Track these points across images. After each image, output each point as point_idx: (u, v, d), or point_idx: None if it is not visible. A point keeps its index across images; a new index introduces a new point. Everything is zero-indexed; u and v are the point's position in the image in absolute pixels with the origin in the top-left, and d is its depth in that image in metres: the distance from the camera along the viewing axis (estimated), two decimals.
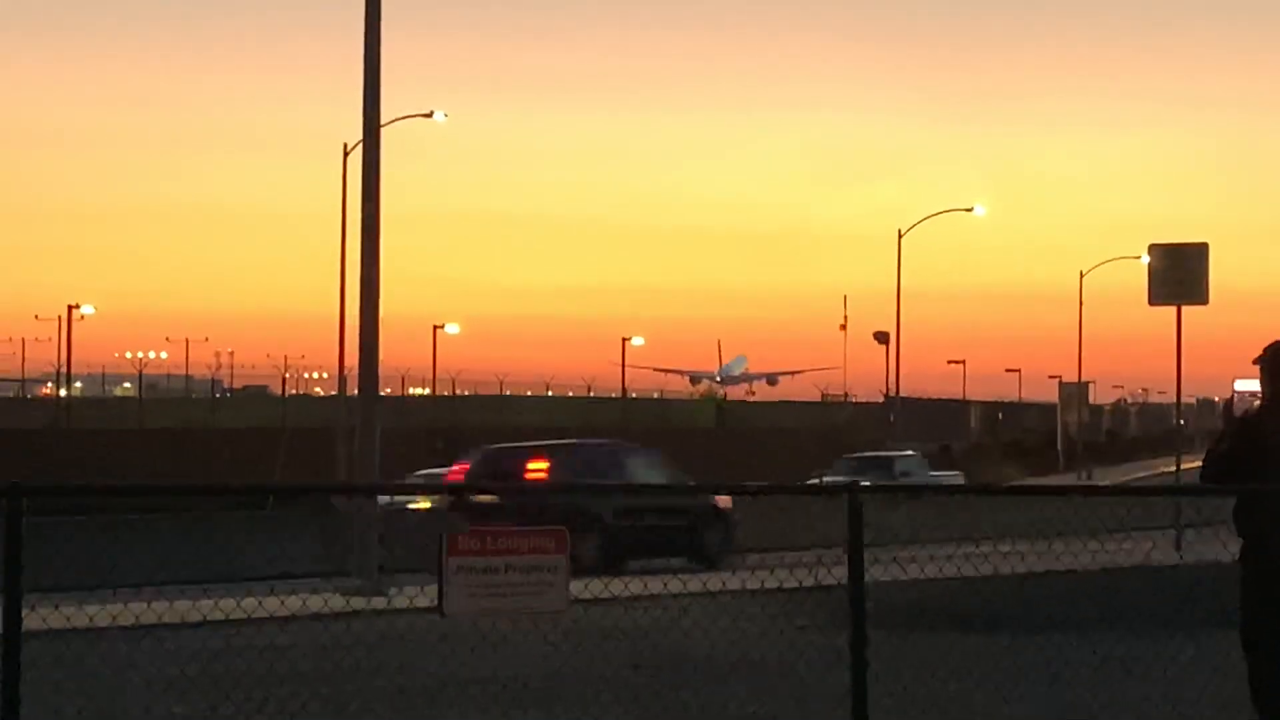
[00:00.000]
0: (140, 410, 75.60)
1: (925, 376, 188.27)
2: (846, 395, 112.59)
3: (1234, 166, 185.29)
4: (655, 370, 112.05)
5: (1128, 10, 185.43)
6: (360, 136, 29.28)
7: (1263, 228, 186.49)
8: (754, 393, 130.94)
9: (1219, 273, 37.45)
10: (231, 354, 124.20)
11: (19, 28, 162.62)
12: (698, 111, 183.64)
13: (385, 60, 28.49)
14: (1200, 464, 11.44)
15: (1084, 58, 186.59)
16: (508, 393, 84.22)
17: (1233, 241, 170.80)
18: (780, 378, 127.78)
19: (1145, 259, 38.93)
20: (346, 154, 53.96)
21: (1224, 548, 11.92)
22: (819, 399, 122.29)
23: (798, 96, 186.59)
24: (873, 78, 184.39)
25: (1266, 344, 11.31)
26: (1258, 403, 11.43)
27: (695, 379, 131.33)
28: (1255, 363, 11.29)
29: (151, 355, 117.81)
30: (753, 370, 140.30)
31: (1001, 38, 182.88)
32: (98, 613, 16.16)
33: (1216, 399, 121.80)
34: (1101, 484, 74.32)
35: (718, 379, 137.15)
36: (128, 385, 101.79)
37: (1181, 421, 53.77)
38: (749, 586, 19.18)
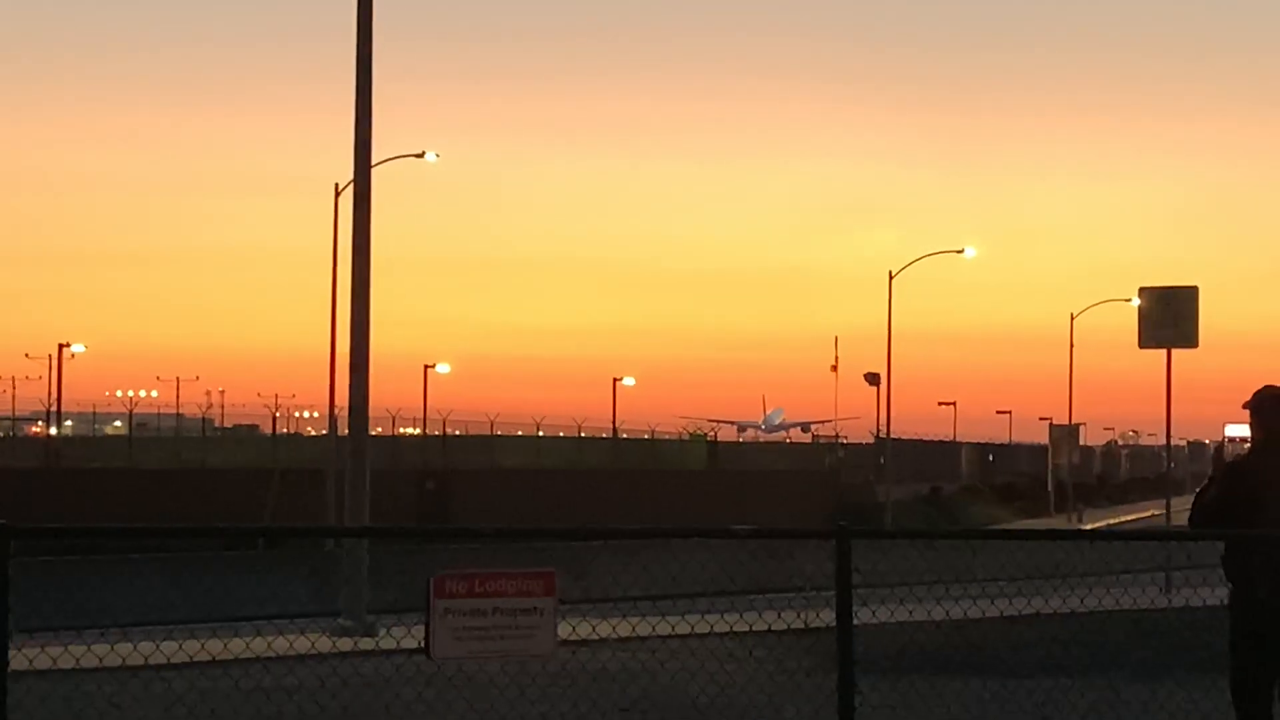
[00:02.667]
0: (130, 449, 75.49)
1: (916, 418, 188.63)
2: (837, 437, 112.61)
3: (1224, 211, 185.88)
4: (709, 421, 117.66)
5: (1119, 57, 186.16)
6: (351, 177, 29.32)
7: (1252, 271, 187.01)
8: (790, 438, 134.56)
9: (1209, 316, 37.50)
10: (222, 393, 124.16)
11: (7, 73, 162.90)
12: (689, 155, 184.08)
13: (377, 101, 28.57)
14: (1190, 507, 11.46)
15: (1075, 103, 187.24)
16: (498, 433, 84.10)
17: (1222, 285, 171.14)
18: (813, 425, 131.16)
19: (1135, 302, 39.01)
20: (338, 194, 54.06)
21: (1213, 592, 11.91)
22: (809, 440, 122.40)
23: (789, 141, 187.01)
24: (864, 123, 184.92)
25: (1255, 389, 11.32)
26: (1247, 446, 11.43)
27: (742, 428, 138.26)
28: (1244, 407, 11.30)
29: (142, 394, 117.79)
30: (788, 419, 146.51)
31: (993, 83, 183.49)
32: (84, 654, 16.11)
33: (1207, 442, 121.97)
34: (1091, 527, 74.28)
35: (762, 427, 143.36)
36: (118, 424, 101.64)
37: (1172, 464, 53.83)
38: (738, 629, 19.16)
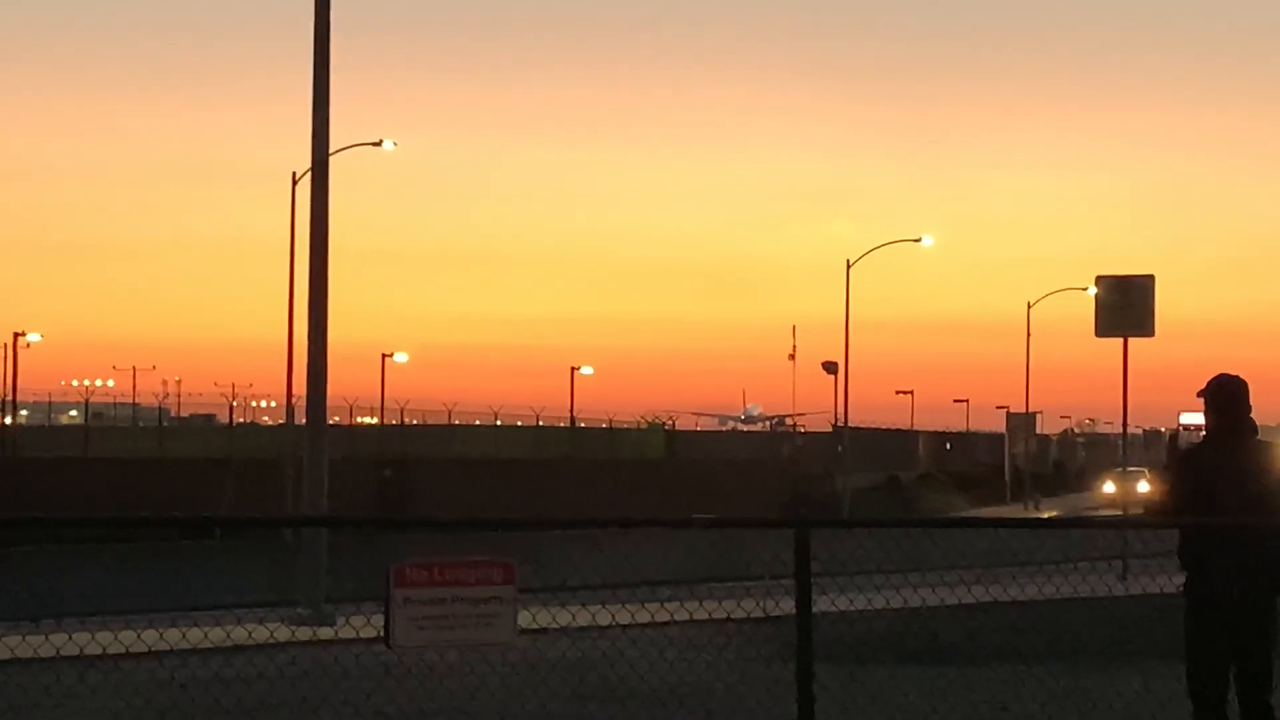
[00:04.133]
0: (86, 439, 75.14)
1: (873, 406, 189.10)
2: (795, 426, 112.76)
3: (1180, 200, 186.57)
4: (692, 414, 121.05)
5: (1076, 48, 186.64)
6: (309, 166, 29.23)
7: (1208, 260, 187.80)
8: (776, 431, 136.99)
9: (1165, 305, 37.79)
10: (179, 382, 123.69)
11: None
12: (647, 146, 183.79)
13: (335, 91, 28.49)
14: (1145, 495, 11.53)
15: (1032, 93, 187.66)
16: (456, 422, 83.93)
17: (1179, 274, 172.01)
18: (787, 419, 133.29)
19: (1092, 290, 39.19)
20: (295, 183, 53.92)
21: (1170, 579, 11.97)
22: (767, 430, 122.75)
23: (747, 132, 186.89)
24: (822, 113, 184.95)
25: (1211, 377, 11.38)
26: (1202, 435, 11.49)
27: (723, 420, 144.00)
28: (1199, 396, 11.36)
29: (98, 383, 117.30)
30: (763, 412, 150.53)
31: (950, 74, 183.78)
32: (41, 644, 16.06)
33: (1163, 430, 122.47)
34: (1048, 516, 74.57)
35: (742, 419, 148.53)
36: (74, 413, 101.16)
37: (1127, 452, 54.07)
38: (698, 618, 19.21)
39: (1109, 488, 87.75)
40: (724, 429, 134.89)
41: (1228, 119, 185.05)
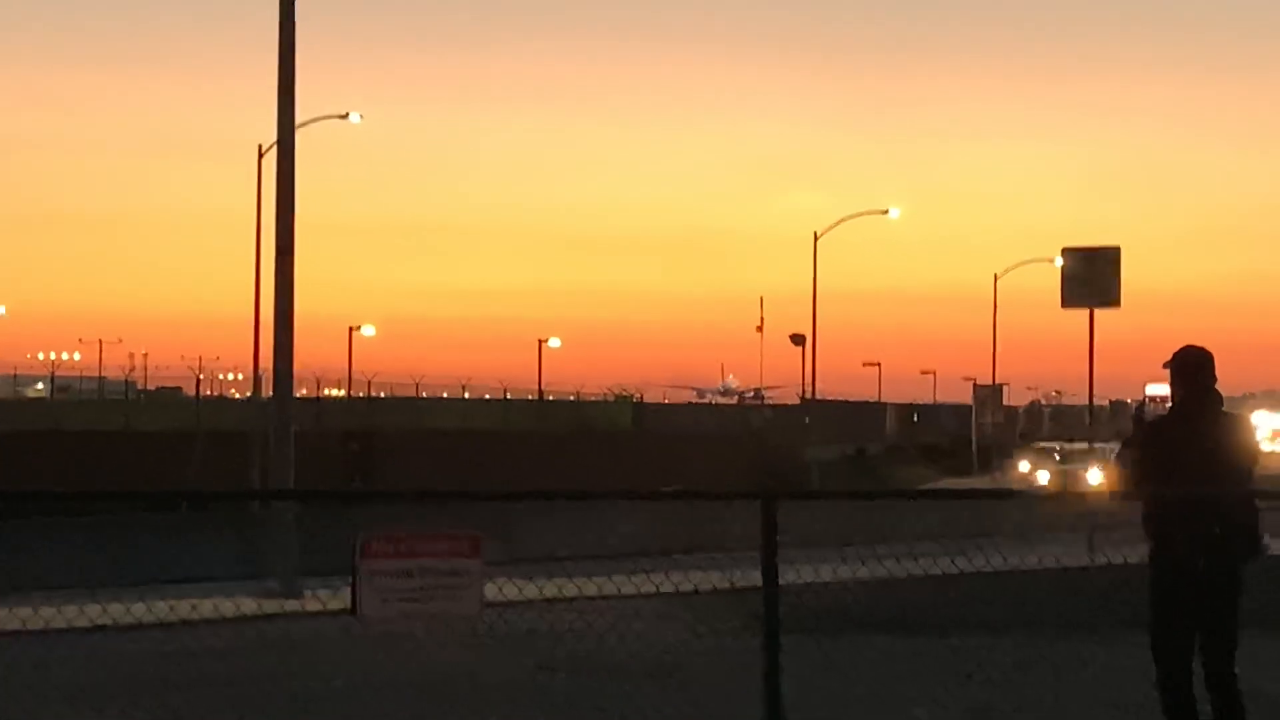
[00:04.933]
0: (52, 412, 74.90)
1: (841, 378, 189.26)
2: (762, 399, 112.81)
3: (1145, 172, 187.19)
4: (671, 387, 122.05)
5: (1043, 20, 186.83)
6: (275, 139, 29.11)
7: (1173, 232, 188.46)
8: (744, 404, 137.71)
9: (1130, 276, 38.07)
10: (145, 355, 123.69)
11: None
12: (614, 118, 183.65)
13: (300, 62, 28.39)
14: (1111, 464, 11.54)
15: (999, 66, 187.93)
16: (424, 394, 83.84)
17: (1144, 246, 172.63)
18: (763, 392, 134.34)
19: (1058, 262, 39.32)
20: (261, 155, 53.73)
21: (1135, 549, 12.01)
22: (734, 401, 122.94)
23: (714, 103, 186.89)
24: (789, 85, 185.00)
25: (1176, 348, 11.41)
26: (1168, 406, 11.52)
27: (701, 393, 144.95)
28: (1164, 367, 11.38)
29: (64, 356, 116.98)
30: (734, 388, 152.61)
31: (918, 46, 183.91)
32: (7, 617, 16.02)
33: (1129, 401, 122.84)
34: (1015, 487, 74.74)
35: (720, 391, 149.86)
36: (40, 386, 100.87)
37: (1093, 423, 54.27)
38: (664, 590, 19.19)
39: (1024, 466, 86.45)
40: (702, 401, 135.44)
41: (1193, 91, 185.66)
